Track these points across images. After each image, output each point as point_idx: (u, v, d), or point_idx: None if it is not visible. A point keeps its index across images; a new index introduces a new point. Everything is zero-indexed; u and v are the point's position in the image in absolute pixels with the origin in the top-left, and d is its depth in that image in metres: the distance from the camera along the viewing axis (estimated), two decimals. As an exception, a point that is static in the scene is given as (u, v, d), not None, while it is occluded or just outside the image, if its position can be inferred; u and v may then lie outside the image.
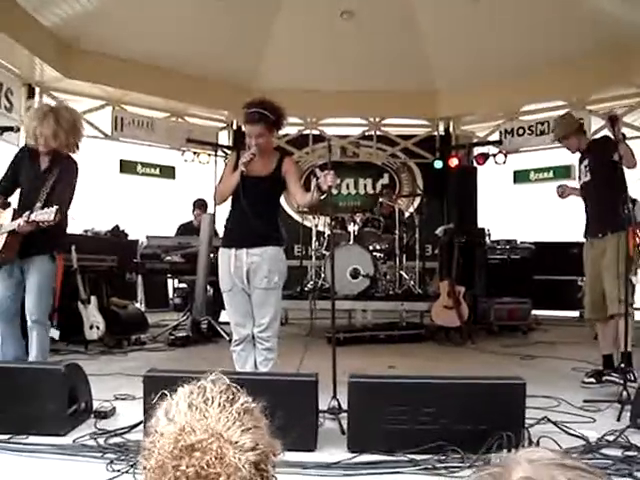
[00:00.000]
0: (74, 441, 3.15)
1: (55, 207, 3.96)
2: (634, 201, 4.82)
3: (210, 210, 7.42)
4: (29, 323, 4.23)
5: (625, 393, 3.75)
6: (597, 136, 6.40)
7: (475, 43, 9.06)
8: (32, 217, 3.96)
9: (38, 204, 4.11)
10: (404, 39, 9.26)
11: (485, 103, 10.30)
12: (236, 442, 1.03)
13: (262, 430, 1.10)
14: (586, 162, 4.76)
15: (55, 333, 5.75)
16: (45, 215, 3.95)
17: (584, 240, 4.84)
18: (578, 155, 4.92)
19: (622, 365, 4.24)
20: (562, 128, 4.93)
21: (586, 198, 4.78)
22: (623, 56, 8.47)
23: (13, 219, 4.13)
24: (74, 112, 4.54)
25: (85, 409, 3.53)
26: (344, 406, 3.34)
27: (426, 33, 9.26)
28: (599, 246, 4.60)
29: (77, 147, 4.46)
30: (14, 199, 4.44)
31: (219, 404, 1.08)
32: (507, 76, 9.39)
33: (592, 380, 4.54)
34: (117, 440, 3.15)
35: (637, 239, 4.48)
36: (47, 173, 4.29)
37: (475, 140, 11.04)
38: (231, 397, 1.10)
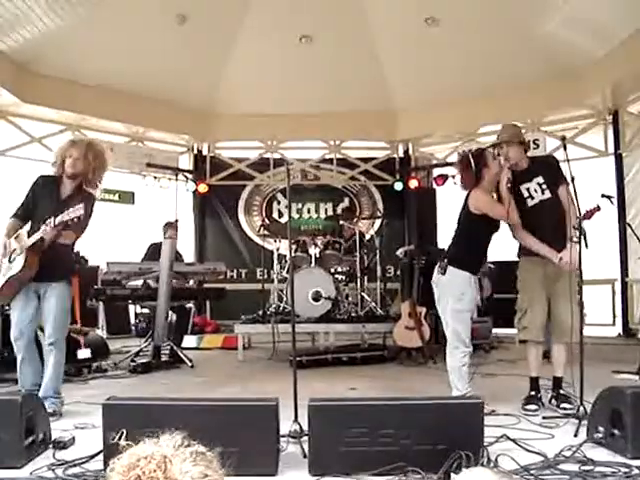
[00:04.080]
0: (31, 473, 3.08)
1: (82, 204, 4.06)
2: None
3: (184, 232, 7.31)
4: (47, 346, 4.40)
5: (582, 409, 3.82)
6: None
7: (432, 66, 9.25)
8: (58, 220, 4.05)
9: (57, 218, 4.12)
10: (362, 63, 9.42)
11: (443, 125, 10.48)
12: (185, 470, 1.05)
13: (214, 469, 1.11)
14: (540, 180, 4.55)
15: (86, 352, 6.31)
16: (73, 213, 4.02)
17: (525, 257, 4.64)
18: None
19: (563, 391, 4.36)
20: (510, 132, 4.80)
21: (540, 218, 4.53)
22: (574, 79, 8.74)
23: (29, 237, 4.26)
24: (105, 152, 4.69)
25: (43, 440, 3.46)
26: (306, 429, 3.34)
27: (384, 56, 9.43)
28: (553, 267, 4.41)
29: (97, 185, 4.66)
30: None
31: (174, 446, 1.10)
32: (464, 98, 9.60)
33: (534, 407, 4.34)
34: (76, 470, 3.10)
35: None
36: (68, 200, 4.38)
37: (434, 162, 11.21)
38: (187, 443, 1.13)
